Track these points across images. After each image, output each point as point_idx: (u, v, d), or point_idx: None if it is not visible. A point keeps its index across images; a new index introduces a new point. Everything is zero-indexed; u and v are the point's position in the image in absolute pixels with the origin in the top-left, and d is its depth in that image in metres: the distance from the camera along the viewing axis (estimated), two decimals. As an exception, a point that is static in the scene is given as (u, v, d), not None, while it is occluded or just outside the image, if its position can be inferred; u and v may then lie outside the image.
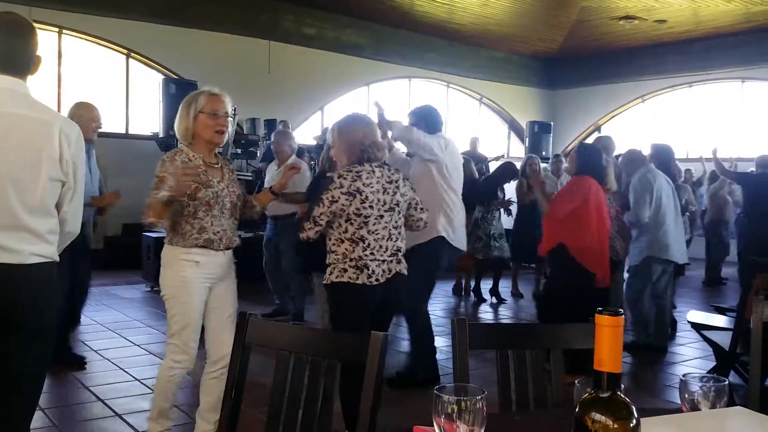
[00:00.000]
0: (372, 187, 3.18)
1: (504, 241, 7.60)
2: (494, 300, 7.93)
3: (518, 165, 7.76)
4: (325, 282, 3.30)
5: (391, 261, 3.26)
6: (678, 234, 5.67)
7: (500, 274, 7.96)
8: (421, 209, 3.45)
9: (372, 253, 3.18)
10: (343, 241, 3.20)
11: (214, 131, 3.11)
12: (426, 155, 4.48)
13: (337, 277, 3.20)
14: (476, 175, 7.33)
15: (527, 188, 7.44)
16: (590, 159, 4.91)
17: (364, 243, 3.17)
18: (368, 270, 3.16)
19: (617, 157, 6.44)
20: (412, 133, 4.44)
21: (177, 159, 3.05)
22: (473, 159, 9.69)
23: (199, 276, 3.06)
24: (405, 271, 3.32)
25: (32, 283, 2.28)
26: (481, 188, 7.33)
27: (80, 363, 4.86)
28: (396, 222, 3.28)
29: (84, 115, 4.66)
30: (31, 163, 2.24)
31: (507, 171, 7.54)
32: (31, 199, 2.24)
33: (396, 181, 3.28)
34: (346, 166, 3.26)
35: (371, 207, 3.17)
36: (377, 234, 3.19)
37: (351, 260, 3.18)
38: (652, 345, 5.67)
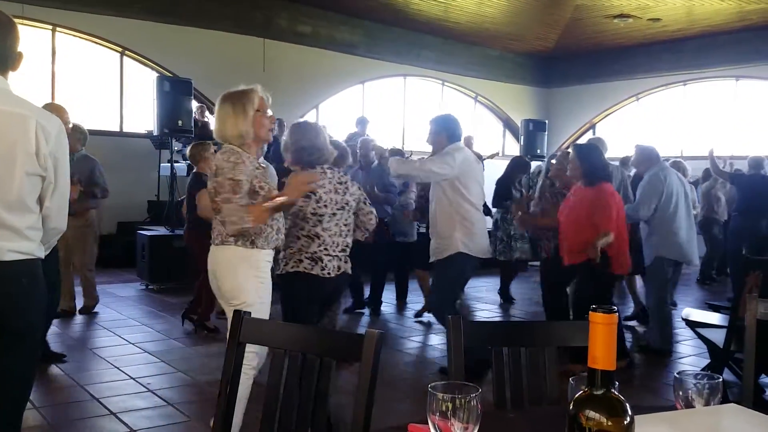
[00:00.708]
0: (324, 188, 3.42)
1: (525, 243, 7.33)
2: (501, 300, 7.86)
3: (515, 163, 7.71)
4: (279, 272, 3.45)
5: (341, 258, 3.49)
6: (690, 235, 5.61)
7: (514, 276, 7.93)
8: (369, 204, 3.68)
9: (326, 248, 3.42)
10: (299, 238, 3.42)
11: (268, 129, 3.20)
12: (434, 178, 4.63)
13: (292, 267, 3.40)
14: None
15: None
16: (595, 162, 4.87)
17: (319, 239, 3.42)
18: (322, 263, 3.40)
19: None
20: (410, 168, 4.70)
21: (246, 161, 3.02)
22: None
23: (269, 276, 3.17)
24: (350, 271, 3.56)
25: (10, 281, 2.22)
26: (496, 190, 7.32)
27: (59, 358, 4.88)
28: (346, 220, 3.52)
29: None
30: (4, 157, 2.18)
31: (516, 166, 7.47)
32: (7, 194, 2.18)
33: (345, 183, 3.53)
34: (297, 168, 3.51)
35: (325, 206, 3.42)
36: (330, 231, 3.44)
37: (307, 253, 3.40)
38: (655, 349, 5.61)
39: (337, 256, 3.45)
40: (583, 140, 15.48)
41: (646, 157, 5.73)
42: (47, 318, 4.75)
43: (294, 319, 3.46)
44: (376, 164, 6.72)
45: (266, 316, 3.06)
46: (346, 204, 3.50)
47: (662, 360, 5.52)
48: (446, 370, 4.83)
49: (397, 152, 7.26)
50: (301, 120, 3.69)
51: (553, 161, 6.18)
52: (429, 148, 4.88)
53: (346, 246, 3.52)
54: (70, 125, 4.84)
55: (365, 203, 3.65)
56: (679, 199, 5.52)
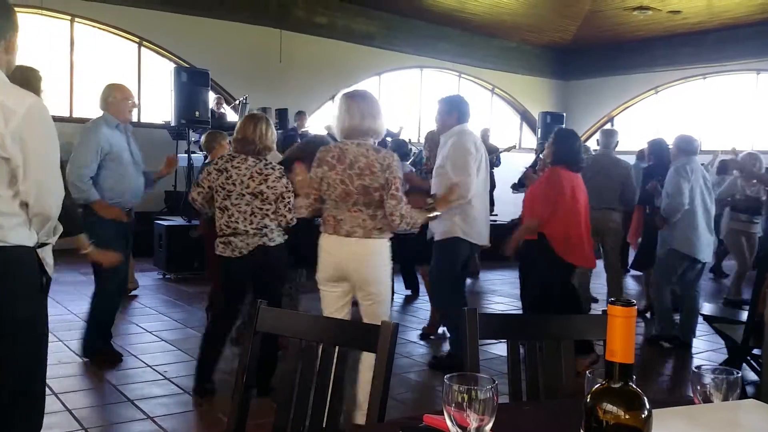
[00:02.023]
0: (239, 171, 3.80)
1: None
2: None
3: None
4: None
5: (255, 235, 3.81)
6: (706, 232, 5.55)
7: None
8: (289, 208, 3.83)
9: (236, 222, 3.80)
10: (215, 212, 3.92)
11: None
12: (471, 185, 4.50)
13: (216, 251, 3.92)
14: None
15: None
16: (563, 146, 4.80)
17: (228, 212, 3.82)
18: (231, 246, 3.83)
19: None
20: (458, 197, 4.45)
21: None
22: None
23: None
24: (271, 243, 3.84)
25: None
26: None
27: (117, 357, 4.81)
28: (259, 206, 3.80)
29: (117, 96, 4.64)
30: None
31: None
32: None
33: (267, 175, 3.81)
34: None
35: (233, 185, 3.79)
36: (239, 208, 3.79)
37: (221, 236, 3.86)
38: (677, 338, 5.60)
39: (249, 233, 3.80)
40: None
41: (685, 147, 5.62)
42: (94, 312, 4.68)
43: (225, 303, 4.07)
44: None
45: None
46: (261, 193, 3.79)
47: (671, 351, 5.51)
48: (435, 363, 4.84)
49: (392, 135, 7.20)
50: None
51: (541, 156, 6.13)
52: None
53: (263, 227, 3.82)
54: (135, 101, 4.83)
55: (284, 203, 3.82)
56: (701, 196, 5.48)
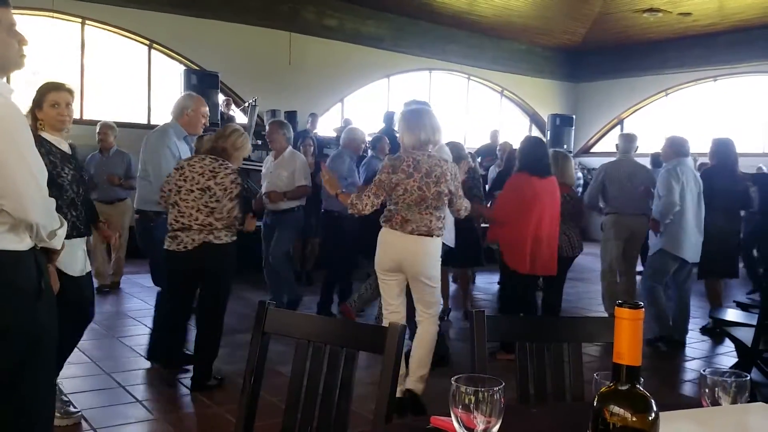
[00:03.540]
0: (194, 169, 4.05)
1: None
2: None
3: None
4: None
5: (200, 231, 4.00)
6: (696, 233, 5.58)
7: None
8: (235, 206, 4.05)
9: (182, 217, 4.00)
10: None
11: None
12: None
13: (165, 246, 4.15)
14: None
15: None
16: (525, 153, 4.98)
17: (177, 208, 4.05)
18: (177, 240, 4.03)
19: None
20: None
21: None
22: (490, 153, 9.62)
23: None
24: (216, 241, 4.03)
25: None
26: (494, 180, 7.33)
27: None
28: (206, 202, 4.00)
29: (195, 108, 4.65)
30: None
31: (511, 160, 7.51)
32: None
33: (217, 172, 4.03)
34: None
35: (184, 180, 4.04)
36: (187, 203, 4.00)
37: (170, 231, 4.08)
38: (672, 338, 5.62)
39: (194, 229, 3.99)
40: (611, 136, 15.35)
41: (677, 149, 5.65)
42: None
43: (170, 296, 4.36)
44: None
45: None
46: (208, 189, 4.00)
47: (677, 353, 5.50)
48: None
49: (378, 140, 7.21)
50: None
51: None
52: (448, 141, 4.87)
53: (208, 224, 4.00)
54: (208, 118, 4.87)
55: (229, 197, 4.02)
56: (692, 198, 5.54)
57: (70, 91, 3.45)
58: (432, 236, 3.75)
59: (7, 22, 2.05)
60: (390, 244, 3.77)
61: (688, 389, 4.72)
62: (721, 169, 6.03)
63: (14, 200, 1.98)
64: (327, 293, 6.37)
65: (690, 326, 5.89)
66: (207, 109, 4.80)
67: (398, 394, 3.77)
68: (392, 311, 3.86)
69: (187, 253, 4.03)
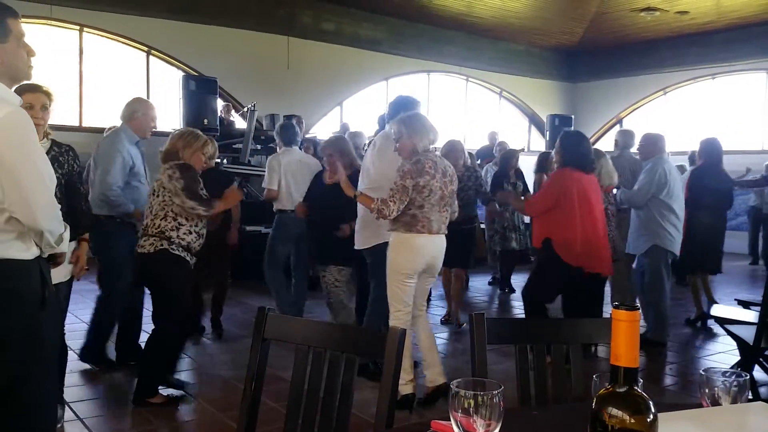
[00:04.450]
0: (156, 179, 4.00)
1: (521, 234, 7.58)
2: (506, 291, 8.02)
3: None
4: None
5: (147, 239, 3.89)
6: (679, 227, 5.63)
7: (513, 267, 8.01)
8: (184, 198, 3.86)
9: (146, 223, 3.93)
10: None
11: None
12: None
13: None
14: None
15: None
16: (571, 149, 4.74)
17: (148, 211, 4.00)
18: (140, 241, 3.95)
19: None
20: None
21: None
22: (489, 154, 9.61)
23: None
24: (147, 250, 3.86)
25: None
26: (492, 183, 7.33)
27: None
28: (159, 203, 3.90)
29: (144, 111, 4.65)
30: None
31: (507, 160, 7.55)
32: None
33: (168, 169, 3.92)
34: None
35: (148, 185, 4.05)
36: (151, 209, 3.94)
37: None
38: (649, 340, 5.52)
39: (147, 235, 3.90)
40: (611, 135, 15.33)
41: (650, 143, 5.70)
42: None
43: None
44: None
45: None
46: (162, 188, 3.90)
47: (662, 352, 5.48)
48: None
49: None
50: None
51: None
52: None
53: (155, 227, 3.88)
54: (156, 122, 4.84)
55: (178, 195, 3.85)
56: (679, 193, 5.60)
57: (47, 94, 3.33)
58: (444, 233, 3.95)
59: (18, 32, 2.09)
60: (422, 247, 3.84)
61: (694, 390, 4.71)
62: (709, 168, 6.25)
63: (25, 208, 2.00)
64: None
65: (675, 320, 5.98)
66: (156, 112, 4.79)
67: (428, 391, 4.02)
68: (405, 312, 3.87)
69: (140, 255, 3.94)
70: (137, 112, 4.61)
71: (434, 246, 3.90)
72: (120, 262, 4.41)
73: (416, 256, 3.85)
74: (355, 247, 4.48)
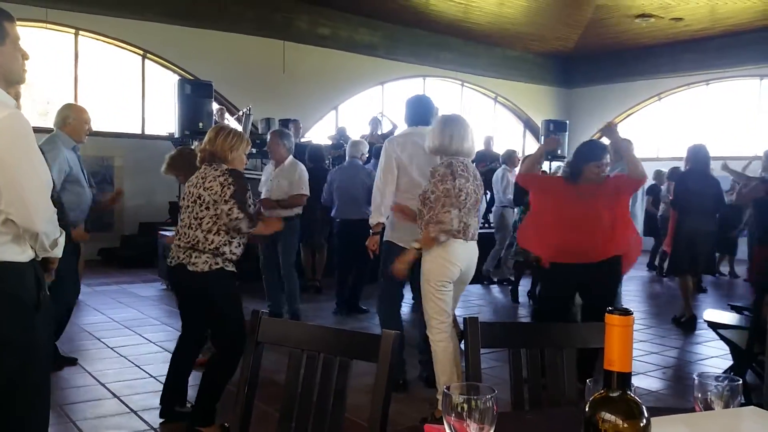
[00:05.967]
0: (191, 182, 3.64)
1: None
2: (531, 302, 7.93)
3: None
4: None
5: (184, 251, 3.53)
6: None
7: (521, 276, 8.00)
8: (233, 207, 3.48)
9: (179, 238, 3.60)
10: None
11: None
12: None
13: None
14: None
15: None
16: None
17: (178, 226, 3.71)
18: (171, 252, 3.63)
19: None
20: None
21: None
22: (486, 158, 9.65)
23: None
24: (192, 268, 3.48)
25: None
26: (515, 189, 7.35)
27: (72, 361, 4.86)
28: (197, 214, 3.54)
29: (77, 117, 4.65)
30: None
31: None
32: None
33: (206, 176, 3.55)
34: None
35: (183, 198, 3.68)
36: (183, 222, 3.62)
37: None
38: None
39: (181, 247, 3.55)
40: (605, 141, 15.35)
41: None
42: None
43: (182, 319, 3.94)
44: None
45: None
46: (199, 198, 3.52)
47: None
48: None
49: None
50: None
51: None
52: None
53: (192, 239, 3.51)
54: (91, 125, 4.86)
55: (226, 202, 3.48)
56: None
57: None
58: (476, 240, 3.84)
59: (14, 36, 2.10)
60: (459, 253, 3.69)
61: (687, 394, 4.71)
62: (695, 173, 6.44)
63: (22, 209, 2.01)
64: (354, 294, 6.92)
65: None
66: (89, 116, 4.77)
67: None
68: (448, 324, 3.74)
69: (171, 269, 3.66)
70: (69, 117, 4.63)
71: (469, 252, 3.77)
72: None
73: (447, 263, 3.67)
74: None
